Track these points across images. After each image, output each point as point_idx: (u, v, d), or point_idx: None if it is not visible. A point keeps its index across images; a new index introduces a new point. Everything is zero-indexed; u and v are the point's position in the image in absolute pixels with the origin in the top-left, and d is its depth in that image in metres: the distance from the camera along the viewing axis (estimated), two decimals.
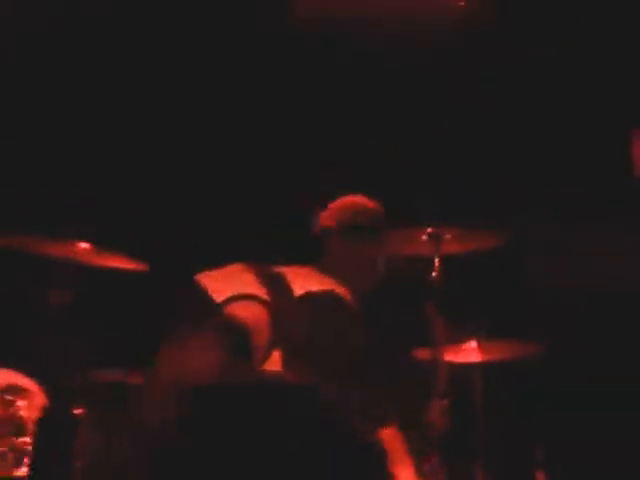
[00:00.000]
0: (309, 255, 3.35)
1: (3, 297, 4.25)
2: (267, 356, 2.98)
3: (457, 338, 4.10)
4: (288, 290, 3.02)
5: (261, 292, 2.95)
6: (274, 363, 3.00)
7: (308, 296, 3.01)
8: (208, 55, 4.83)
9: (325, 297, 3.03)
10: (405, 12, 4.74)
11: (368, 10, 4.75)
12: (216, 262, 3.22)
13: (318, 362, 2.92)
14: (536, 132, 4.54)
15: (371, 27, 4.75)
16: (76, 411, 3.70)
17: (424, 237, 3.87)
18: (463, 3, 4.63)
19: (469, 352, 4.19)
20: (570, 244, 4.43)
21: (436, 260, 3.89)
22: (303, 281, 3.05)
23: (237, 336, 2.93)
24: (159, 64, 4.80)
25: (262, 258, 3.23)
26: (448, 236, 3.86)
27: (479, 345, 4.17)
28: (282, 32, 4.69)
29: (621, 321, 4.36)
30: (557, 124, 4.56)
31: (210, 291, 2.96)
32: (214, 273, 3.08)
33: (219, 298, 2.95)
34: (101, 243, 3.90)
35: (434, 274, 3.90)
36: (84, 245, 3.93)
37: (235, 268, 3.07)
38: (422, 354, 3.92)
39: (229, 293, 2.94)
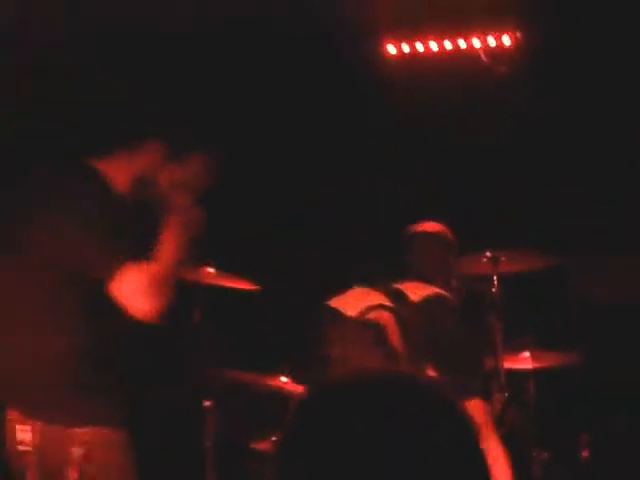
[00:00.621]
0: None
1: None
2: (401, 352, 3.47)
3: (513, 347, 4.74)
4: (406, 298, 3.54)
5: (386, 302, 3.45)
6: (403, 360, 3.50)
7: (422, 301, 3.53)
8: None
9: (435, 299, 3.56)
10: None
11: None
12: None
13: (436, 354, 3.44)
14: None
15: None
16: (206, 403, 4.48)
17: (484, 259, 4.53)
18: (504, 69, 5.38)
19: (523, 360, 4.72)
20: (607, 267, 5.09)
21: (495, 278, 4.54)
22: (415, 290, 3.58)
23: (379, 333, 3.42)
24: None
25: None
26: (504, 258, 4.50)
27: (532, 354, 4.76)
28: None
29: None
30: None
31: (343, 310, 3.48)
32: (341, 297, 3.58)
33: (353, 313, 3.44)
34: (222, 268, 4.50)
35: (494, 290, 4.55)
36: (210, 270, 4.50)
37: (359, 290, 3.59)
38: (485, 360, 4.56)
39: (361, 307, 3.44)
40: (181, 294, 4.34)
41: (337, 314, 3.51)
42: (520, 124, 5.39)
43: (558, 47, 5.31)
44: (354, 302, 3.55)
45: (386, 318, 3.44)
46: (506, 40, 5.43)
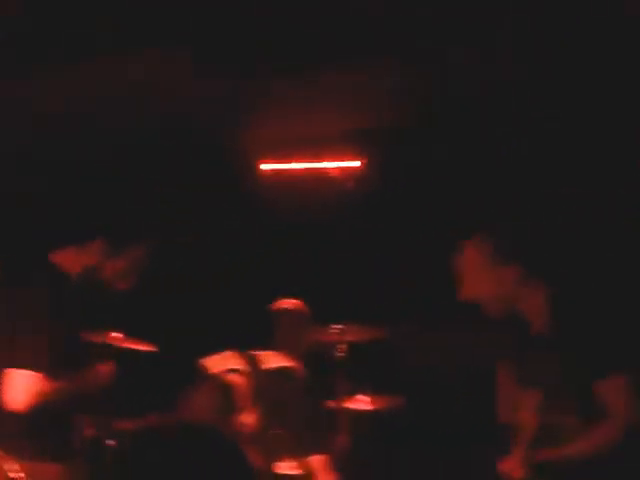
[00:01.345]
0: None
1: None
2: (249, 409, 4.15)
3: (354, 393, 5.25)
4: (259, 366, 4.26)
5: (243, 367, 4.16)
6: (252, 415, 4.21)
7: (274, 370, 4.27)
8: None
9: (285, 370, 4.29)
10: None
11: None
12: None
13: (283, 415, 4.17)
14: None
15: None
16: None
17: (334, 330, 5.13)
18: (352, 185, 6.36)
19: (363, 402, 5.24)
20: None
21: (342, 346, 5.12)
22: (268, 359, 4.30)
23: (227, 392, 4.10)
24: None
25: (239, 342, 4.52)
26: (349, 329, 5.11)
27: (370, 398, 5.23)
28: None
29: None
30: None
31: (209, 368, 4.21)
32: (213, 357, 4.28)
33: (215, 371, 4.19)
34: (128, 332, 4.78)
35: (342, 355, 5.12)
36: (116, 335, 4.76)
37: (228, 353, 4.31)
38: (331, 403, 5.00)
39: (223, 368, 4.19)
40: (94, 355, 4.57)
41: (204, 371, 4.24)
42: (362, 223, 6.40)
43: (391, 170, 6.36)
44: (220, 363, 4.27)
45: (240, 381, 4.13)
46: (353, 163, 6.49)
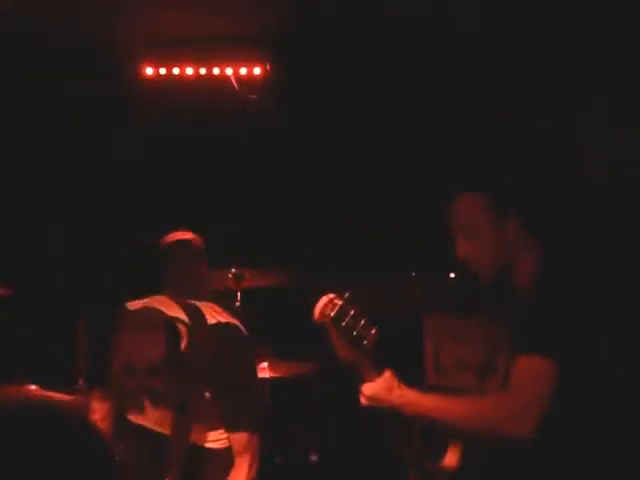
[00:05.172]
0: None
1: None
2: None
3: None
4: (203, 319, 3.62)
5: (184, 317, 3.47)
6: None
7: (217, 326, 3.61)
8: None
9: (229, 327, 3.65)
10: None
11: None
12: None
13: (217, 379, 3.56)
14: None
15: None
16: None
17: (229, 275, 4.86)
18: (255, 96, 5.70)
19: (261, 370, 4.84)
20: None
21: (238, 294, 4.87)
22: (213, 313, 3.67)
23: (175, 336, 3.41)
24: None
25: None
26: (247, 275, 4.87)
27: (270, 364, 4.96)
28: None
29: None
30: None
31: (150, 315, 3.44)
32: (142, 302, 3.55)
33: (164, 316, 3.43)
34: None
35: (237, 305, 4.83)
36: None
37: (159, 298, 3.59)
38: None
39: (168, 314, 3.44)
40: None
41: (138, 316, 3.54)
42: (267, 149, 5.76)
43: (301, 80, 5.70)
44: (163, 308, 3.55)
45: (183, 332, 3.48)
46: (256, 70, 5.72)
